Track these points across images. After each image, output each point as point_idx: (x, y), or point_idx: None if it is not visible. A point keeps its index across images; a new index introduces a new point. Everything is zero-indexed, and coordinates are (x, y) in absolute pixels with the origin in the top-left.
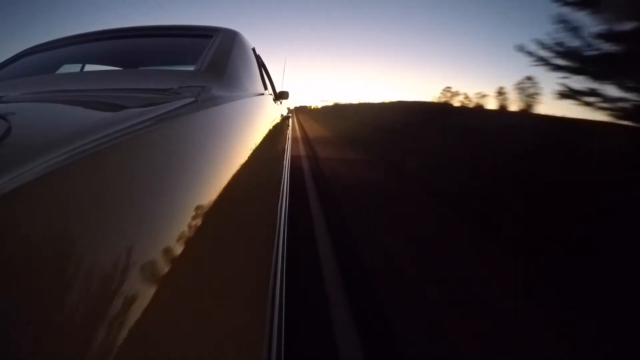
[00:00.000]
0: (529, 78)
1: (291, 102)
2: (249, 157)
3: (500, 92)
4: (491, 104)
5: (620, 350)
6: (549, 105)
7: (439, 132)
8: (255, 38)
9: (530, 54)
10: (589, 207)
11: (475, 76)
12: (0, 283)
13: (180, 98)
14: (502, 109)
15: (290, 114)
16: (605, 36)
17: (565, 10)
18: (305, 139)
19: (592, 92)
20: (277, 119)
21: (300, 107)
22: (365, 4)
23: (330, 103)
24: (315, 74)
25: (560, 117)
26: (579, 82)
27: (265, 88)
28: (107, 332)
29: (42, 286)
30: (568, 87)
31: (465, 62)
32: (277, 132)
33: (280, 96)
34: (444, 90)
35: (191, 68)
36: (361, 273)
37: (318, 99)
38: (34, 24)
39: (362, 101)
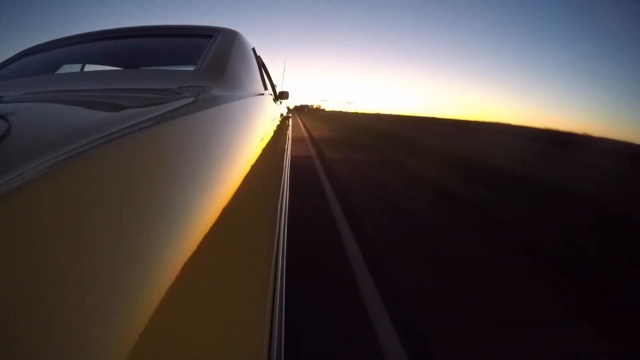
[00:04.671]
0: None
1: (290, 101)
2: (249, 158)
3: None
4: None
5: None
6: None
7: None
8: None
9: None
10: None
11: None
12: (0, 283)
13: (180, 98)
14: None
15: (290, 114)
16: None
17: None
18: None
19: None
20: (277, 119)
21: (300, 106)
22: (365, 4)
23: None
24: (315, 74)
25: None
26: None
27: (265, 88)
28: (107, 332)
29: (42, 286)
30: None
31: (464, 67)
32: (277, 132)
33: (280, 96)
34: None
35: (191, 68)
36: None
37: (318, 99)
38: (34, 24)
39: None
